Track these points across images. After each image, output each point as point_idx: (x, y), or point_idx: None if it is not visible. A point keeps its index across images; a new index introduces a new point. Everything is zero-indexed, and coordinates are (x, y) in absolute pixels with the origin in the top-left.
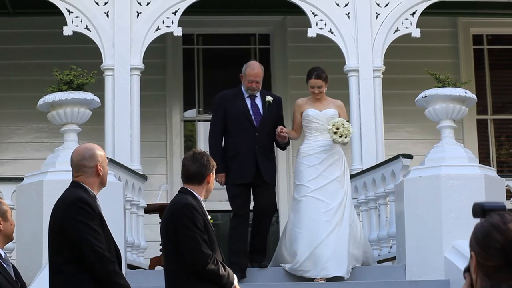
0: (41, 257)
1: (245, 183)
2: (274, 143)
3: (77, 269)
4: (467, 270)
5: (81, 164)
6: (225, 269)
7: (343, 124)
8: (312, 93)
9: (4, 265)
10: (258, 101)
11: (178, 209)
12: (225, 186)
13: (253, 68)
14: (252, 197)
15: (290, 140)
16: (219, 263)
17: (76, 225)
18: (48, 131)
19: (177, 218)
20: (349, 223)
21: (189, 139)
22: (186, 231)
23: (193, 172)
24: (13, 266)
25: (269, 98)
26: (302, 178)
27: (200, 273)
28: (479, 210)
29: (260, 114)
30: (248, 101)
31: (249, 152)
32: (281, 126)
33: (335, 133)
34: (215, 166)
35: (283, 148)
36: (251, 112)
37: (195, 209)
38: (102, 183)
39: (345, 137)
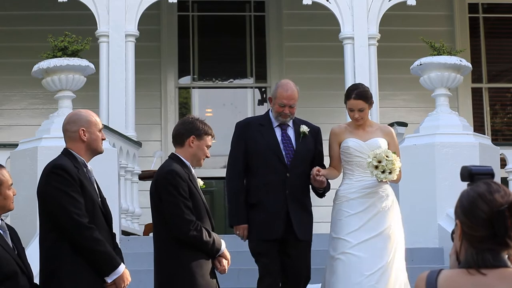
0: (35, 223)
1: (274, 239)
2: (310, 187)
3: (58, 237)
4: (454, 232)
5: (65, 129)
6: (209, 235)
7: (386, 156)
8: (351, 117)
9: (1, 231)
10: (291, 131)
11: (161, 175)
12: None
13: (286, 89)
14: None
15: (330, 184)
16: (203, 229)
17: (53, 192)
18: (42, 98)
19: (161, 184)
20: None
21: (184, 106)
22: (169, 197)
23: (174, 134)
24: (13, 230)
25: (304, 128)
26: (341, 230)
27: (183, 240)
28: (467, 173)
29: (293, 148)
30: (278, 132)
31: (277, 198)
32: (317, 167)
33: (376, 167)
34: (206, 132)
35: (321, 195)
36: (281, 146)
37: (178, 176)
38: (91, 149)
39: (389, 173)
